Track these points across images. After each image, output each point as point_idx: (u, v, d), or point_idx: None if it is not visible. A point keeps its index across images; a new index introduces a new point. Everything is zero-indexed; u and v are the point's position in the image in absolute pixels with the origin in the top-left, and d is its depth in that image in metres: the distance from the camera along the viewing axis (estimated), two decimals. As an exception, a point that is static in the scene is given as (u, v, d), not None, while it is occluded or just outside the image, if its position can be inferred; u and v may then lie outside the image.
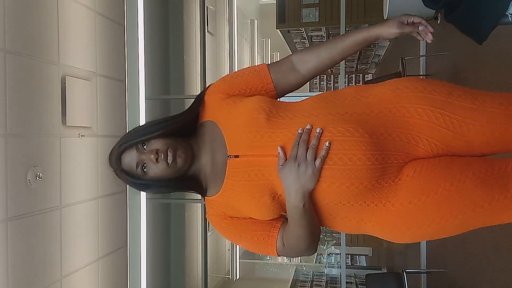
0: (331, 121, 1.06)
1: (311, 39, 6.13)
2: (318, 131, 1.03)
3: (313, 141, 1.03)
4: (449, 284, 3.41)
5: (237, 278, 6.25)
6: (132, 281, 2.96)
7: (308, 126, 1.06)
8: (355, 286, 6.53)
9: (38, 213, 2.24)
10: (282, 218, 1.15)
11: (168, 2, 3.65)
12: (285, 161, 1.04)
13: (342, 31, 3.99)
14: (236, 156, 1.11)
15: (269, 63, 1.28)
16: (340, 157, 1.01)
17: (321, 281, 7.34)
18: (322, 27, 5.42)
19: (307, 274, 7.76)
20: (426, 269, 3.96)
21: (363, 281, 4.54)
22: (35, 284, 2.28)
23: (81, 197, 2.47)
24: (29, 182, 2.04)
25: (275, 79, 1.24)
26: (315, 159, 1.02)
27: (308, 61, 1.24)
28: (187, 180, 1.19)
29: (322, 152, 1.01)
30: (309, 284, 7.26)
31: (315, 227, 1.12)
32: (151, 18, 3.49)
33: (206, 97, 1.23)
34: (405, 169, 1.05)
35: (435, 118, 1.06)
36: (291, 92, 1.25)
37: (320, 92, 1.31)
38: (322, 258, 8.65)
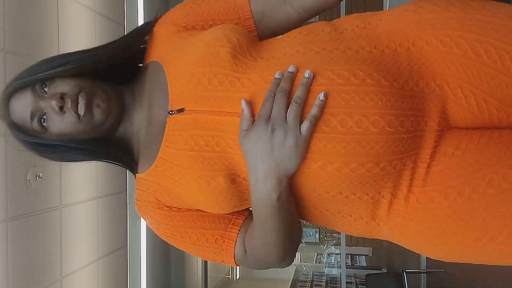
0: (327, 60, 0.72)
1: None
2: (307, 75, 0.69)
3: (298, 92, 0.68)
4: (449, 284, 3.42)
5: (237, 278, 6.27)
6: (132, 281, 2.96)
7: (291, 68, 0.71)
8: (355, 286, 6.52)
9: (38, 213, 2.24)
10: (246, 212, 0.83)
11: (168, 2, 3.65)
12: (252, 123, 0.70)
13: (342, 31, 3.98)
14: (180, 111, 0.76)
15: None
16: (342, 119, 0.67)
17: (321, 281, 7.33)
18: (322, 27, 5.41)
19: (307, 274, 7.76)
20: (426, 269, 3.96)
21: (363, 281, 4.55)
22: (35, 284, 2.28)
23: (81, 197, 2.48)
24: (29, 182, 2.04)
25: (256, 12, 0.86)
26: (300, 122, 0.68)
27: None
28: (111, 146, 0.84)
29: (312, 111, 0.67)
30: (309, 284, 7.26)
31: (293, 230, 0.77)
32: (151, 18, 3.48)
33: (156, 28, 0.88)
34: (443, 144, 0.71)
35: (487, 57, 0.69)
36: (279, 34, 0.87)
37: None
38: (322, 258, 8.66)
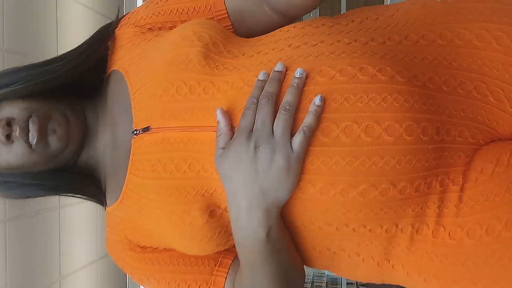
0: (326, 54, 0.58)
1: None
2: (298, 74, 0.56)
3: (287, 96, 0.56)
4: None
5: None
6: (131, 281, 2.95)
7: (278, 66, 0.58)
8: (355, 287, 6.51)
9: (37, 214, 2.23)
10: (234, 252, 0.67)
11: (168, 1, 3.64)
12: (231, 139, 0.57)
13: (343, 30, 3.96)
14: (146, 130, 0.63)
15: None
16: (347, 126, 0.54)
17: (322, 282, 7.33)
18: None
19: (307, 275, 7.74)
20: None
21: (364, 283, 4.51)
22: (34, 285, 2.27)
23: (80, 197, 2.45)
24: (28, 182, 2.02)
25: (233, 11, 0.71)
26: (292, 134, 0.55)
27: None
28: (73, 177, 0.72)
29: (306, 119, 0.54)
30: (310, 285, 7.25)
31: (292, 274, 0.62)
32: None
33: (118, 31, 0.75)
34: (478, 159, 0.57)
35: None
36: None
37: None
38: (322, 259, 8.63)
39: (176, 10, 0.73)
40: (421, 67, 0.58)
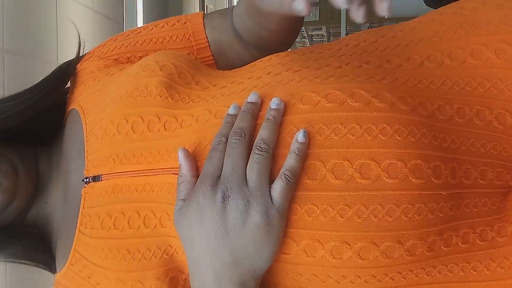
0: (310, 79, 0.49)
1: (311, 38, 6.13)
2: (274, 105, 0.46)
3: (261, 132, 0.45)
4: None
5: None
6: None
7: (252, 97, 0.48)
8: None
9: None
10: None
11: (168, 0, 3.65)
12: (192, 187, 0.46)
13: (343, 30, 3.98)
14: (96, 179, 0.55)
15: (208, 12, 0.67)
16: (337, 165, 0.44)
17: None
18: (322, 26, 5.41)
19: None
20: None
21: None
22: (34, 284, 2.27)
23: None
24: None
25: (214, 41, 0.64)
26: (270, 181, 0.44)
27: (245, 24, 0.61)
28: (18, 239, 0.61)
29: (288, 161, 0.44)
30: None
31: None
32: (150, 17, 3.48)
33: (80, 66, 0.66)
34: (510, 206, 0.48)
35: None
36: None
37: None
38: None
39: (149, 40, 0.64)
40: (428, 94, 0.48)
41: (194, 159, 0.48)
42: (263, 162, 0.44)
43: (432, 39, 0.53)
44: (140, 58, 0.63)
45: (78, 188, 0.57)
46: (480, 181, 0.47)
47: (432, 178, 0.43)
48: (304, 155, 0.44)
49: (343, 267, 0.44)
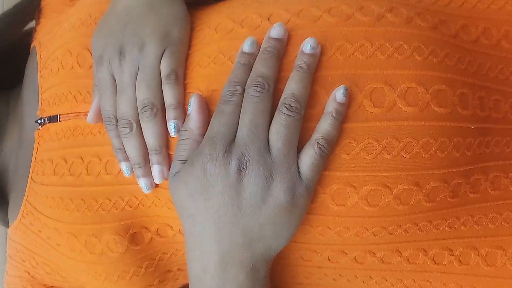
0: None
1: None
2: (309, 49, 0.37)
3: (292, 85, 0.37)
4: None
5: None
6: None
7: (277, 30, 0.38)
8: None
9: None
10: None
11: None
12: (196, 149, 0.38)
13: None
14: (53, 119, 0.47)
15: None
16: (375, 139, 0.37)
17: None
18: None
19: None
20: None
21: None
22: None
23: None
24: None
25: None
26: (298, 149, 0.36)
27: None
28: None
29: (323, 125, 0.36)
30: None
31: None
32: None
33: (44, 2, 0.57)
34: None
35: None
36: None
37: None
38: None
39: None
40: (450, 12, 0.42)
41: (208, 112, 0.38)
42: (292, 126, 0.35)
43: None
44: None
45: (32, 133, 0.50)
46: (511, 115, 0.40)
47: (458, 108, 0.37)
48: (343, 119, 0.36)
49: (346, 216, 0.38)
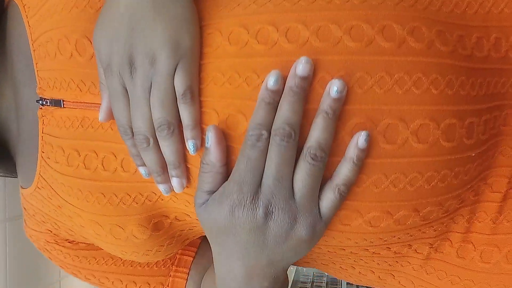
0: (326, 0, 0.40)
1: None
2: (335, 93, 0.37)
3: (317, 133, 0.38)
4: None
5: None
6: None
7: (304, 68, 0.37)
8: (355, 287, 6.50)
9: (37, 213, 2.22)
10: (197, 240, 0.57)
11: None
12: (223, 178, 0.40)
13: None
14: (57, 103, 0.46)
15: None
16: (358, 127, 0.39)
17: (322, 282, 7.33)
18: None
19: (307, 275, 7.76)
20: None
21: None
22: (33, 284, 2.27)
23: (81, 197, 2.45)
24: (28, 182, 2.01)
25: None
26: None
27: None
28: None
29: (344, 170, 0.38)
30: (310, 285, 7.25)
31: None
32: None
33: None
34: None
35: None
36: None
37: None
38: (322, 259, 8.64)
39: None
40: (466, 23, 0.40)
41: (225, 143, 0.39)
42: (317, 173, 0.38)
43: None
44: None
45: (32, 106, 0.49)
46: (504, 126, 0.42)
47: (464, 139, 0.38)
48: (361, 162, 0.38)
49: (350, 233, 0.42)
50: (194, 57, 0.39)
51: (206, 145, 0.39)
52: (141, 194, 0.45)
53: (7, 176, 0.60)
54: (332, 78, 0.38)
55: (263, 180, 0.38)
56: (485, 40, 0.41)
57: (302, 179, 0.38)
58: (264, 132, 0.38)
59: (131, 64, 0.39)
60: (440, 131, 0.38)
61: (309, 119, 0.38)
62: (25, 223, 0.58)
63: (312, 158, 0.37)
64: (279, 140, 0.37)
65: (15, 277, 2.07)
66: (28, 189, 0.53)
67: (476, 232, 0.44)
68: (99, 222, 0.46)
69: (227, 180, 0.40)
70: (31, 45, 0.48)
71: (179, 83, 0.39)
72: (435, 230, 0.44)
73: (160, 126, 0.39)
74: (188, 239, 0.51)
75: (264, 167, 0.38)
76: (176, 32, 0.38)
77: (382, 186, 0.39)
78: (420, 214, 0.40)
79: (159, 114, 0.39)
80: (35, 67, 0.48)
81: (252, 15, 0.40)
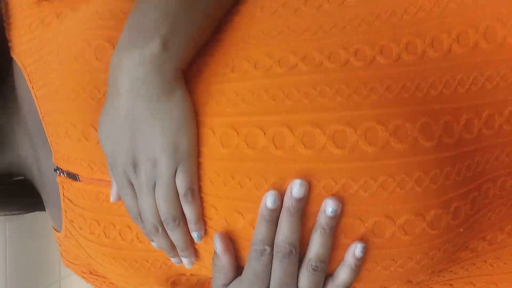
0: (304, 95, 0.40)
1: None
2: (331, 212, 0.39)
3: (317, 247, 0.41)
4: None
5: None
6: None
7: (299, 191, 0.40)
8: (355, 287, 6.50)
9: (37, 213, 2.22)
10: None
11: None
12: (233, 276, 0.45)
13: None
14: (72, 177, 0.51)
15: None
16: (348, 227, 0.41)
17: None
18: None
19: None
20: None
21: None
22: (33, 285, 2.27)
23: (81, 197, 2.45)
24: (28, 181, 2.01)
25: None
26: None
27: None
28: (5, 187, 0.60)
29: (343, 275, 0.42)
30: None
31: None
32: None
33: None
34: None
35: None
36: None
37: None
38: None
39: None
40: (457, 105, 0.39)
41: (233, 249, 0.45)
42: (318, 280, 0.42)
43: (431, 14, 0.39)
44: None
45: (50, 170, 0.54)
46: (498, 192, 0.43)
47: (450, 221, 0.41)
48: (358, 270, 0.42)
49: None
50: (192, 159, 0.44)
51: (215, 249, 0.44)
52: (157, 260, 0.51)
53: (32, 211, 0.64)
54: (321, 188, 0.41)
55: (270, 287, 0.43)
56: (476, 120, 0.40)
57: (305, 286, 0.42)
58: (267, 247, 0.42)
59: (135, 166, 0.43)
60: (426, 223, 0.40)
61: (307, 224, 0.42)
62: (61, 254, 0.64)
63: (313, 269, 0.41)
64: (281, 257, 0.41)
65: (15, 277, 2.07)
66: (59, 233, 0.58)
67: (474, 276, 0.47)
68: (123, 280, 0.53)
69: (238, 270, 0.46)
70: (41, 117, 0.52)
71: (180, 185, 0.44)
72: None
73: (166, 219, 0.44)
74: (207, 280, 0.57)
75: (270, 275, 0.43)
76: (174, 136, 0.42)
77: (376, 270, 0.43)
78: (413, 283, 0.43)
79: (164, 210, 0.44)
80: (48, 138, 0.52)
81: (241, 116, 0.42)
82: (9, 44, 0.53)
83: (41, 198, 0.62)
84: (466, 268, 0.48)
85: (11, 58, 0.54)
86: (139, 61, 0.39)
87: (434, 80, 0.38)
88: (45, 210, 0.64)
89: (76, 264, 0.61)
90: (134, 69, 0.39)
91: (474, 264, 0.48)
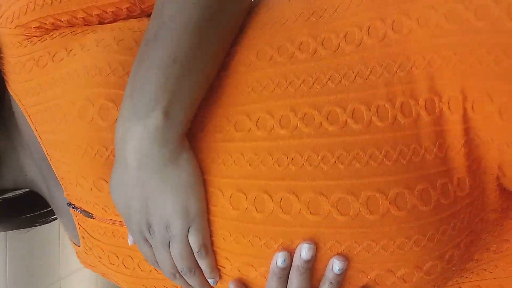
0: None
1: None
2: (338, 270, 0.43)
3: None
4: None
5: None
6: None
7: (307, 253, 0.43)
8: None
9: (37, 214, 2.23)
10: None
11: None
12: None
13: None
14: (87, 214, 0.53)
15: None
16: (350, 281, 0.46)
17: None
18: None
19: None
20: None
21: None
22: (34, 284, 2.27)
23: (81, 197, 2.45)
24: (28, 182, 2.02)
25: None
26: None
27: None
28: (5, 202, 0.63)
29: None
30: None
31: None
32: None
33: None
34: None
35: None
36: None
37: None
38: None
39: None
40: (446, 166, 0.43)
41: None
42: None
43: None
44: (69, 22, 0.46)
45: (62, 200, 0.57)
46: (488, 229, 0.49)
47: (442, 273, 0.46)
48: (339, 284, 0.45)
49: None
50: (203, 218, 0.46)
51: None
52: (175, 286, 0.55)
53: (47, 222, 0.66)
54: (327, 249, 0.44)
55: None
56: (468, 178, 0.44)
57: None
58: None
59: (149, 227, 0.46)
60: (423, 272, 0.44)
61: (315, 276, 0.46)
62: (78, 256, 0.65)
63: None
64: None
65: (15, 277, 2.08)
66: (79, 248, 0.60)
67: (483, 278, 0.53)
68: None
69: None
70: (48, 158, 0.52)
71: (193, 243, 0.47)
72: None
73: (182, 270, 0.48)
74: None
75: None
76: (184, 200, 0.45)
77: None
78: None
79: (180, 264, 0.48)
80: (55, 173, 0.53)
81: (248, 178, 0.45)
82: (1, 74, 0.52)
83: (47, 208, 0.65)
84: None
85: (5, 87, 0.53)
86: (142, 134, 0.41)
87: (429, 145, 0.42)
88: (48, 223, 0.67)
89: (97, 267, 0.63)
90: (139, 143, 0.42)
91: (472, 272, 0.54)
